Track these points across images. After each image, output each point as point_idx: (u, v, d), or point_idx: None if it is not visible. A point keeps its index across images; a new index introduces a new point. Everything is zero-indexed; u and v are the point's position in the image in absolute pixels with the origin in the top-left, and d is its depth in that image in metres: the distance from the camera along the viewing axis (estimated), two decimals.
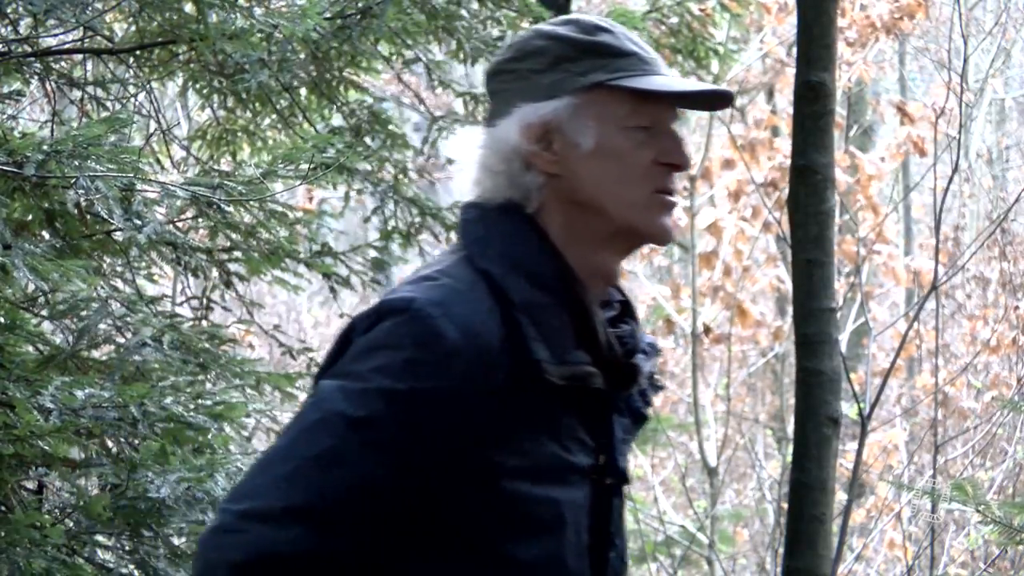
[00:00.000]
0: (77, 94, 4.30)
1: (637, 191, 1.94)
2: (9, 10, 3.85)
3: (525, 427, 1.87)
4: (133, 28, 4.42)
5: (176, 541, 3.59)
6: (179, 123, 6.24)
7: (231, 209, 3.73)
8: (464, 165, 2.00)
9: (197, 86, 4.70)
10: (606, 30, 1.97)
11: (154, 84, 4.63)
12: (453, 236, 5.21)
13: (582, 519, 1.92)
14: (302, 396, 4.67)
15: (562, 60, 1.95)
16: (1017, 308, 8.11)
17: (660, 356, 2.10)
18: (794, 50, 4.63)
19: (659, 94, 1.95)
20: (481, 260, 1.91)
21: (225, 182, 3.62)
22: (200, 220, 3.90)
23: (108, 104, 4.34)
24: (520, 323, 1.86)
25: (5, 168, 3.25)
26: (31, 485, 3.60)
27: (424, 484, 1.84)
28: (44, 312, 3.74)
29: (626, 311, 2.02)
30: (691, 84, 2.10)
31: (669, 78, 1.98)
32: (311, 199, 8.40)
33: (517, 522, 1.86)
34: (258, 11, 3.93)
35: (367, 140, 4.98)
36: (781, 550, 4.99)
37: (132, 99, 4.45)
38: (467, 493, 1.85)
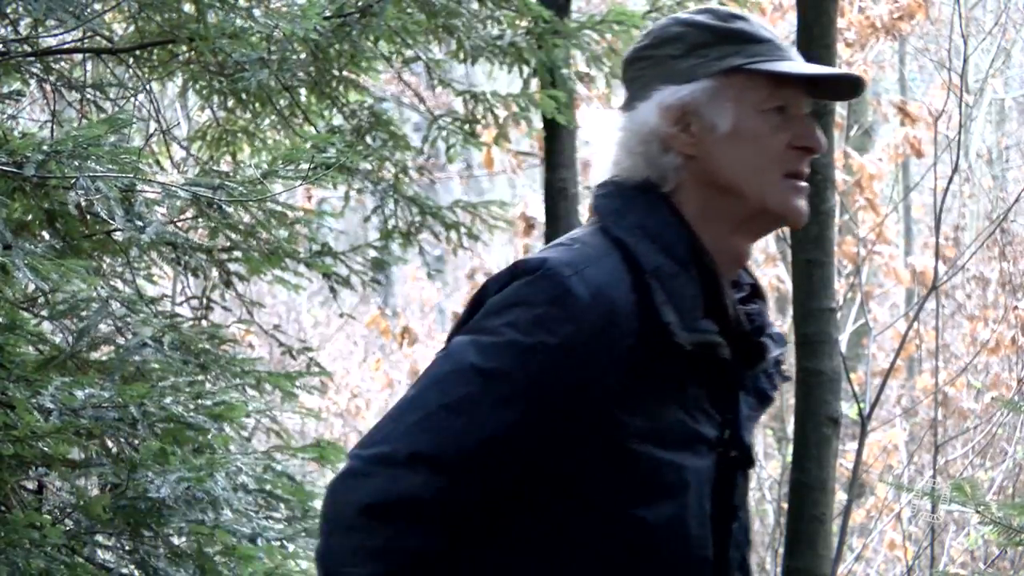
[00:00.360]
0: (76, 95, 4.30)
1: (772, 174, 1.99)
2: (9, 10, 3.84)
3: (653, 391, 1.91)
4: (133, 28, 4.41)
5: (176, 541, 3.59)
6: (179, 123, 6.23)
7: (231, 210, 3.73)
8: (600, 146, 2.05)
9: (197, 86, 4.69)
10: (742, 18, 2.03)
11: (154, 84, 4.63)
12: (453, 235, 5.22)
13: (705, 488, 1.96)
14: (302, 396, 4.67)
15: (699, 46, 2.00)
16: (1016, 308, 8.10)
17: (786, 346, 2.14)
18: None
19: (797, 77, 2.00)
20: (615, 229, 1.96)
21: (226, 183, 3.62)
22: (200, 220, 3.90)
23: (108, 105, 4.33)
24: (650, 287, 1.91)
25: (5, 168, 3.24)
26: (31, 485, 3.60)
27: (550, 438, 1.88)
28: (44, 312, 3.74)
29: (756, 294, 2.07)
30: (825, 69, 2.16)
31: (804, 63, 2.04)
32: (309, 198, 8.40)
33: (641, 484, 1.90)
34: (257, 12, 3.93)
35: (367, 140, 4.98)
36: (781, 550, 4.99)
37: (132, 99, 4.44)
38: (592, 450, 1.89)
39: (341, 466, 1.93)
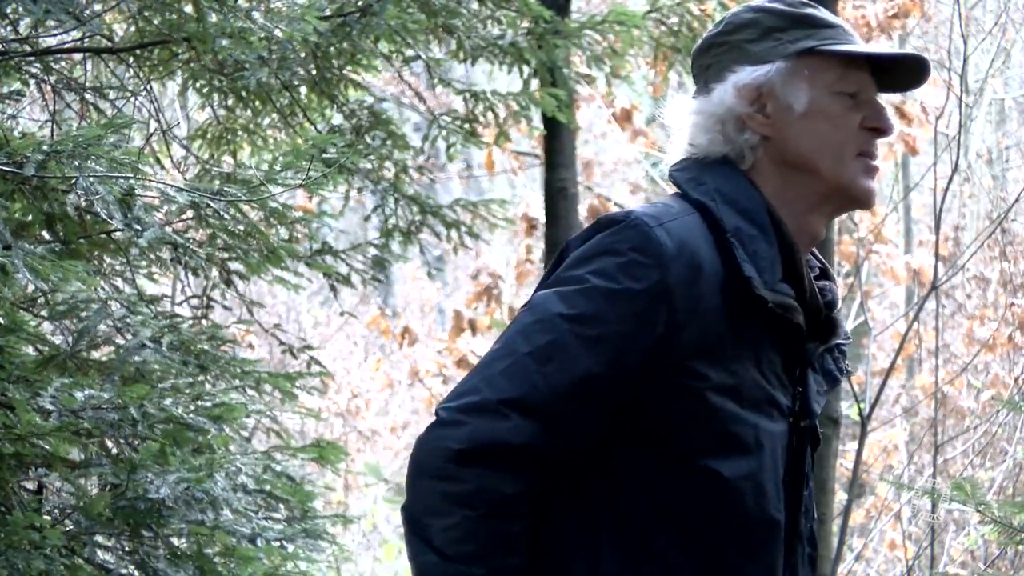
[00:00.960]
0: (76, 95, 4.29)
1: (846, 152, 2.05)
2: (9, 10, 3.84)
3: (732, 348, 1.94)
4: (133, 28, 4.41)
5: (176, 541, 3.58)
6: (179, 123, 6.23)
7: (231, 213, 3.72)
8: (675, 130, 2.10)
9: (197, 85, 4.69)
10: (811, 4, 2.10)
11: (154, 84, 4.62)
12: (453, 234, 5.21)
13: (779, 452, 1.99)
14: (302, 396, 4.67)
15: (773, 30, 2.06)
16: (1013, 305, 8.09)
17: (851, 341, 2.18)
18: None
19: (868, 56, 2.06)
20: (694, 193, 2.02)
21: (226, 187, 3.61)
22: (200, 223, 3.89)
23: (108, 105, 4.32)
24: (731, 245, 1.95)
25: (5, 168, 3.24)
26: (31, 485, 3.59)
27: (635, 383, 1.91)
28: (44, 313, 3.73)
29: (825, 275, 2.12)
30: (894, 50, 2.23)
31: (873, 45, 2.09)
32: (310, 198, 8.39)
33: (717, 437, 1.93)
34: (256, 14, 3.92)
35: (367, 139, 4.97)
36: None
37: (132, 99, 4.44)
38: (672, 399, 1.92)
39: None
